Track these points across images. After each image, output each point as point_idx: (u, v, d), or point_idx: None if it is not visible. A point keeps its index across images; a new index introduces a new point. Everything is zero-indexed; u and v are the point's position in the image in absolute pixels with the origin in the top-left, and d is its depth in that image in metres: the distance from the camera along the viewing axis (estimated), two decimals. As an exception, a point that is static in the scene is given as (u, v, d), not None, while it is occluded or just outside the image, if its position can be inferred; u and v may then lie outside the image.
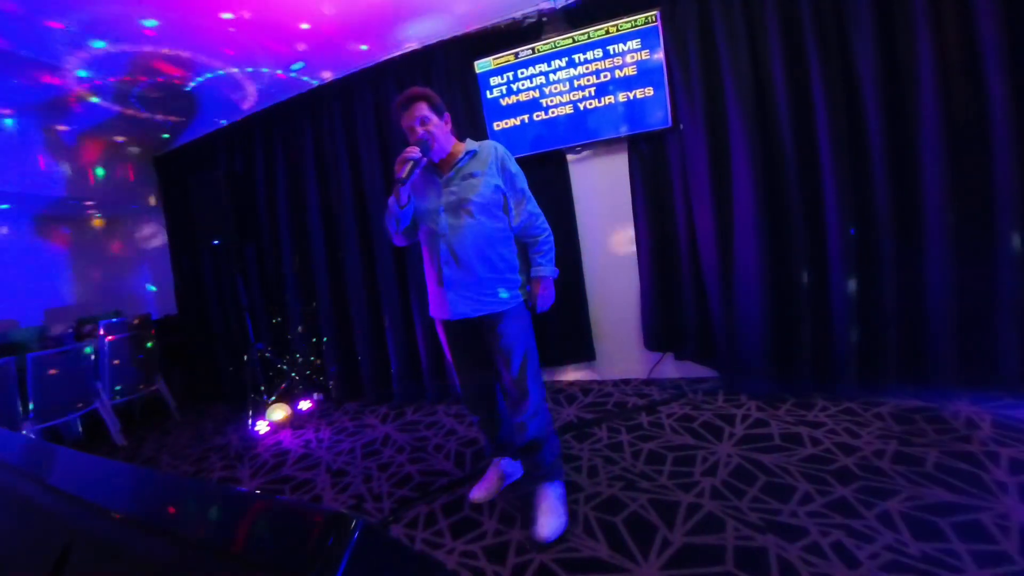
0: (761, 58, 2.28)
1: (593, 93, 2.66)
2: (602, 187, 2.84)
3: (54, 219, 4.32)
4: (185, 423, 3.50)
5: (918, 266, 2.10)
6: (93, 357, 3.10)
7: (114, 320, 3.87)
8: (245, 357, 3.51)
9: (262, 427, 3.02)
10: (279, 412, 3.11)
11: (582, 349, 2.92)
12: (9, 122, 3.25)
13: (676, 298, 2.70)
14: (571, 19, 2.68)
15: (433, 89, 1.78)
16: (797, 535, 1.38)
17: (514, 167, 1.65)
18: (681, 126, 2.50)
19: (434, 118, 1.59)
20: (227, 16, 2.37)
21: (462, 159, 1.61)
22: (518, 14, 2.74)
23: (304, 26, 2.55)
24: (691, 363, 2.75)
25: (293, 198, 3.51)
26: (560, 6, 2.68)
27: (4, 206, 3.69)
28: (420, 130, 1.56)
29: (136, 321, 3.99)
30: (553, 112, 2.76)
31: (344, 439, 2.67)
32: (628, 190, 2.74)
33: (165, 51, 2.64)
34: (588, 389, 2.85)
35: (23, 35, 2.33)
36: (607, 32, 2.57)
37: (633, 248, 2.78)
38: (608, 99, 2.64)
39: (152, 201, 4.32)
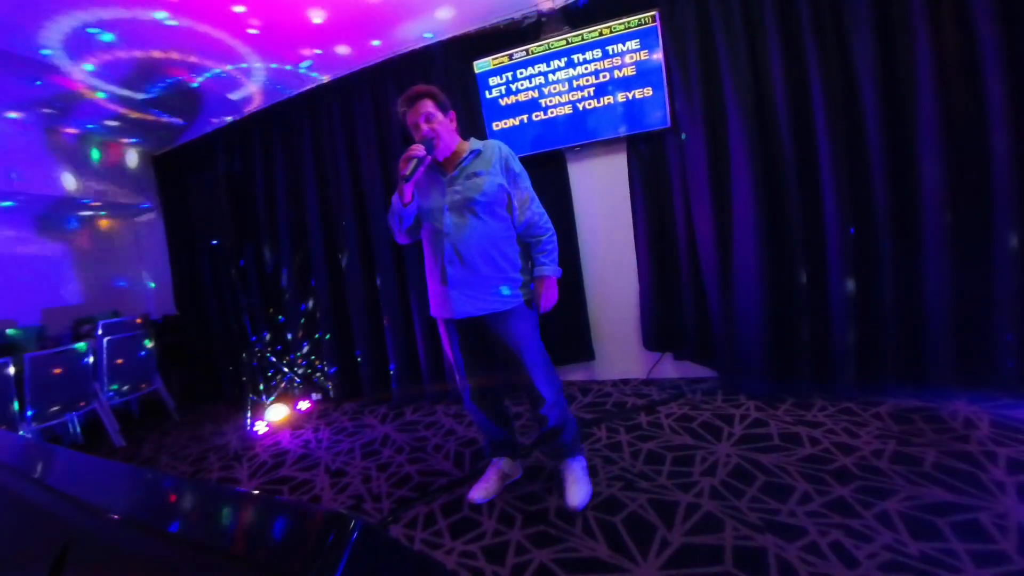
0: (760, 58, 2.28)
1: (592, 93, 2.66)
2: (601, 187, 2.84)
3: (52, 219, 4.30)
4: (184, 423, 3.49)
5: (916, 266, 2.10)
6: (91, 357, 3.09)
7: (112, 320, 3.86)
8: (244, 357, 3.50)
9: (261, 427, 3.01)
10: (278, 412, 3.10)
11: (581, 349, 2.92)
12: (11, 116, 3.24)
13: (675, 298, 2.71)
14: (570, 19, 2.68)
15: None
16: (796, 535, 1.38)
17: (518, 166, 1.65)
18: (684, 136, 2.49)
19: (439, 115, 1.58)
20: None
21: (466, 158, 1.61)
22: (517, 14, 2.74)
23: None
24: (690, 363, 2.76)
25: (292, 198, 3.51)
26: (559, 6, 2.68)
27: (7, 203, 3.65)
28: (425, 127, 1.56)
29: (139, 320, 3.99)
30: (552, 112, 2.76)
31: (343, 439, 2.67)
32: (627, 190, 2.74)
33: (173, 51, 2.63)
34: (587, 389, 2.85)
35: (22, 34, 2.33)
36: (606, 32, 2.58)
37: (632, 248, 2.78)
38: (607, 99, 2.64)
39: (151, 201, 4.31)
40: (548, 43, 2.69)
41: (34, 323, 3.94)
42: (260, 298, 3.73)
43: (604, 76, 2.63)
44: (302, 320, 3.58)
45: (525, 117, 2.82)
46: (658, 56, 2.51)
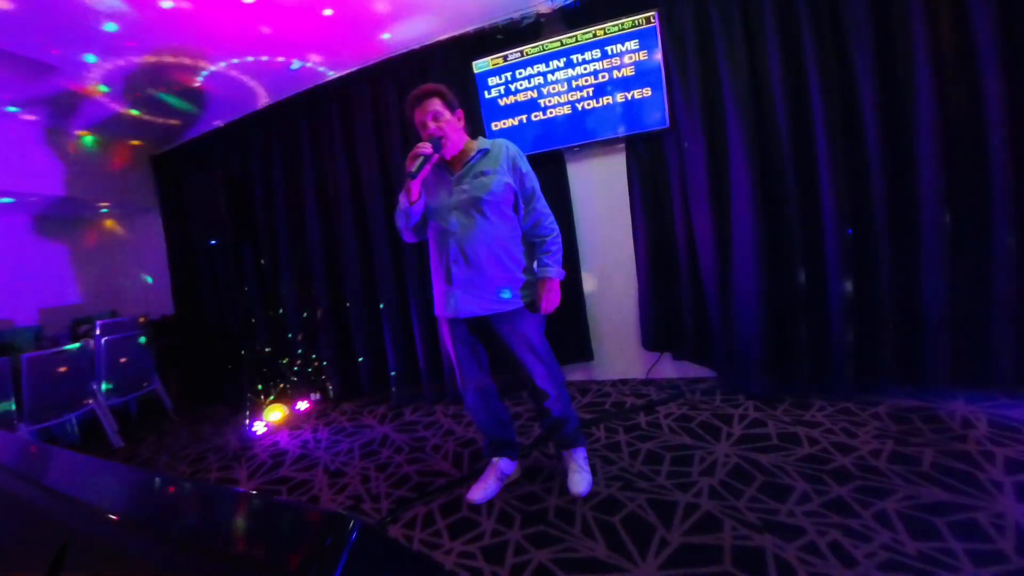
0: (759, 59, 2.29)
1: (591, 94, 2.66)
2: (600, 187, 2.84)
3: (50, 218, 4.29)
4: (182, 424, 3.48)
5: (914, 266, 2.11)
6: (90, 357, 3.08)
7: (111, 320, 3.86)
8: (242, 357, 3.50)
9: (259, 427, 3.01)
10: (276, 412, 3.10)
11: (580, 349, 2.92)
12: (9, 113, 3.22)
13: (674, 298, 2.71)
14: (569, 20, 2.69)
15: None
16: (794, 535, 1.38)
17: (525, 166, 1.65)
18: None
19: (447, 114, 1.58)
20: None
21: (474, 157, 1.61)
22: (516, 14, 2.74)
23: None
24: (689, 363, 2.76)
25: (291, 198, 3.50)
26: (558, 6, 2.69)
27: (6, 200, 3.63)
28: (432, 126, 1.56)
29: (142, 320, 3.99)
30: (551, 112, 2.76)
31: (342, 439, 2.67)
32: (626, 190, 2.74)
33: (176, 45, 2.61)
34: (586, 389, 2.85)
35: (22, 32, 2.32)
36: (605, 33, 2.58)
37: (631, 248, 2.78)
38: (606, 100, 2.64)
39: (149, 201, 4.30)
40: (547, 43, 2.69)
41: (32, 323, 3.94)
42: (258, 298, 3.72)
43: (603, 76, 2.63)
44: (301, 320, 3.57)
45: (524, 117, 2.82)
46: (657, 56, 2.51)
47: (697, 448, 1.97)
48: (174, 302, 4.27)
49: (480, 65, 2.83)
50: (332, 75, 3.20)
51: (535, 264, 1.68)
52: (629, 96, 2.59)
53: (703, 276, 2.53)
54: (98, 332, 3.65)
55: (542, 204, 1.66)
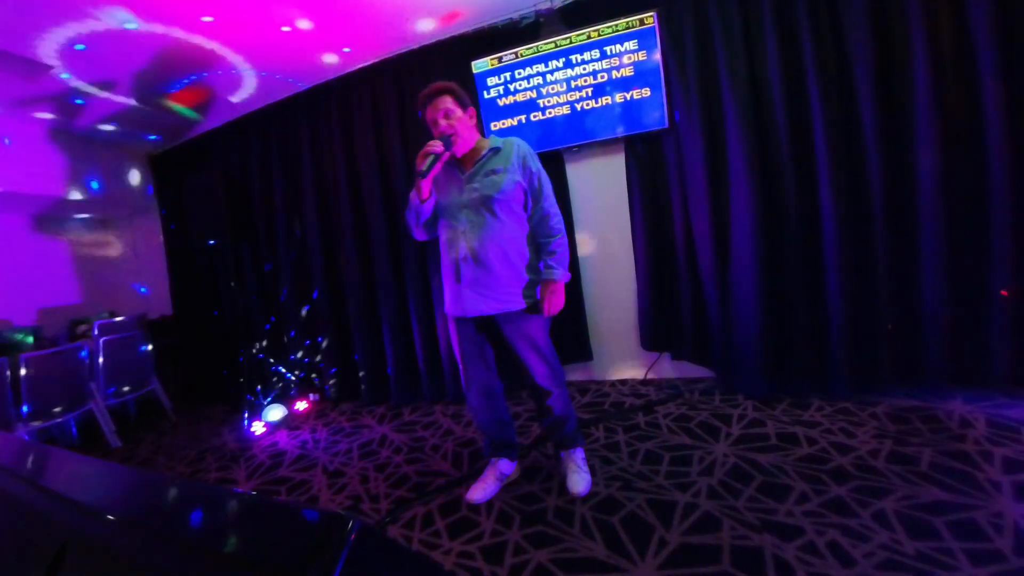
0: (757, 59, 2.29)
1: (590, 94, 2.67)
2: (599, 188, 2.84)
3: (48, 218, 4.28)
4: (181, 424, 3.48)
5: (913, 266, 2.11)
6: (87, 358, 3.08)
7: (109, 320, 3.85)
8: (241, 357, 3.49)
9: (258, 428, 3.00)
10: (275, 413, 3.09)
11: (579, 349, 2.92)
12: (8, 115, 3.21)
13: (673, 298, 2.71)
14: (568, 20, 2.69)
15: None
16: (793, 534, 1.39)
17: (536, 165, 1.64)
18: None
19: (458, 111, 1.58)
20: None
21: (485, 155, 1.61)
22: (515, 14, 2.74)
23: (315, 19, 2.49)
24: (688, 363, 2.76)
25: (289, 198, 3.50)
26: (557, 6, 2.69)
27: None
28: (443, 123, 1.56)
29: (141, 320, 3.98)
30: (550, 113, 2.76)
31: (341, 440, 2.67)
32: (625, 191, 2.75)
33: (171, 52, 2.61)
34: (585, 389, 2.85)
35: (22, 35, 2.31)
36: (604, 33, 2.58)
37: (630, 248, 2.78)
38: (605, 100, 2.64)
39: (148, 201, 4.30)
40: (544, 44, 2.68)
41: (30, 323, 3.93)
42: (257, 298, 3.72)
43: (602, 76, 2.63)
44: (299, 320, 3.57)
45: (523, 117, 2.82)
46: (656, 57, 2.51)
47: (696, 448, 1.97)
48: (173, 302, 4.26)
49: (479, 65, 2.83)
50: (332, 68, 3.19)
51: (540, 265, 1.67)
52: (628, 96, 2.60)
53: (702, 276, 2.53)
54: (96, 332, 3.64)
55: (551, 203, 1.65)
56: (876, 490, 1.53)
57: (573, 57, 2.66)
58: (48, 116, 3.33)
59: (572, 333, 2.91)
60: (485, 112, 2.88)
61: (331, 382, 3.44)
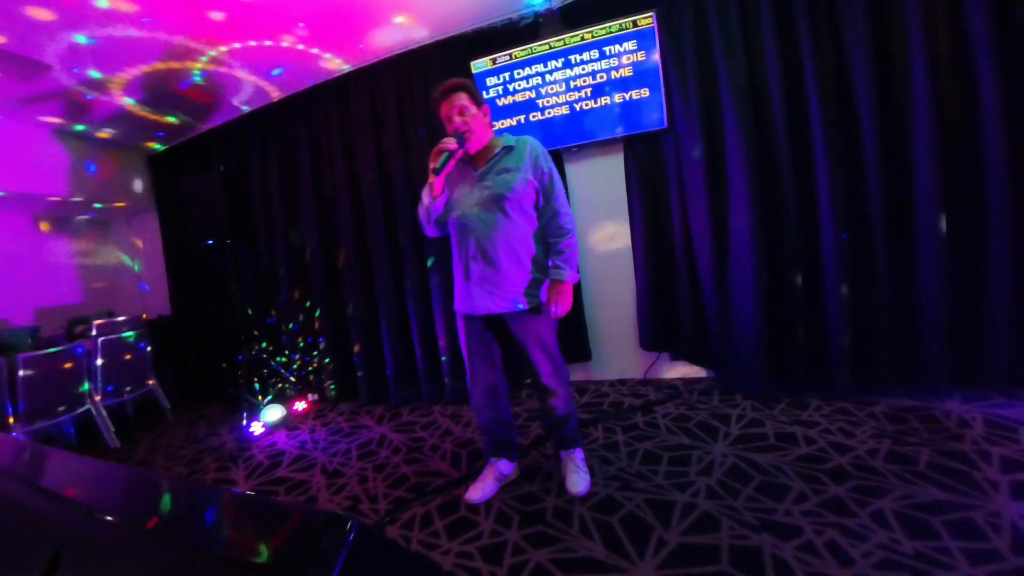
0: (756, 60, 2.30)
1: (589, 94, 2.67)
2: (598, 188, 2.85)
3: (47, 218, 4.27)
4: (179, 424, 3.47)
5: (911, 266, 2.12)
6: (86, 358, 3.07)
7: (107, 320, 3.84)
8: (240, 358, 3.49)
9: (257, 428, 3.00)
10: (274, 413, 3.09)
11: (578, 349, 2.92)
12: (7, 115, 3.20)
13: (672, 298, 2.71)
14: (568, 20, 2.69)
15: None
16: (792, 534, 1.39)
17: (548, 164, 1.64)
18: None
19: (473, 109, 1.58)
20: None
21: (498, 153, 1.61)
22: (515, 14, 2.74)
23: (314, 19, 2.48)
24: (687, 363, 2.76)
25: (288, 198, 3.50)
26: (557, 7, 2.69)
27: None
28: (458, 120, 1.56)
29: (138, 319, 3.97)
30: (549, 113, 2.76)
31: (340, 440, 2.66)
32: (624, 191, 2.75)
33: (173, 53, 2.61)
34: (584, 389, 2.85)
35: (22, 35, 2.30)
36: (603, 33, 2.58)
37: (629, 248, 2.78)
38: (604, 100, 2.64)
39: (146, 200, 4.29)
40: (543, 44, 2.69)
41: (28, 323, 3.92)
42: (256, 298, 3.71)
43: (601, 77, 2.63)
44: (298, 320, 3.56)
45: (522, 117, 2.82)
46: (655, 57, 2.51)
47: (695, 448, 1.97)
48: (171, 302, 4.25)
49: (479, 65, 2.83)
50: (333, 71, 3.18)
51: (548, 264, 1.66)
52: (627, 96, 2.60)
53: (701, 276, 2.53)
54: (94, 332, 3.63)
55: (561, 202, 1.64)
56: (874, 490, 1.53)
57: (572, 57, 2.66)
58: (48, 118, 3.32)
59: (571, 333, 2.91)
60: (484, 112, 2.88)
61: (330, 382, 3.44)
